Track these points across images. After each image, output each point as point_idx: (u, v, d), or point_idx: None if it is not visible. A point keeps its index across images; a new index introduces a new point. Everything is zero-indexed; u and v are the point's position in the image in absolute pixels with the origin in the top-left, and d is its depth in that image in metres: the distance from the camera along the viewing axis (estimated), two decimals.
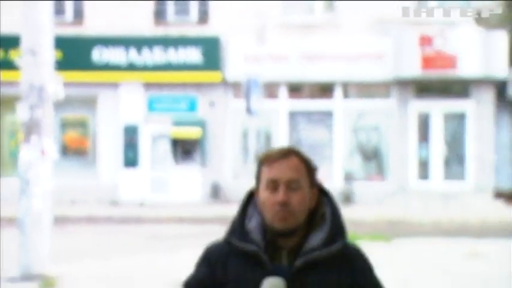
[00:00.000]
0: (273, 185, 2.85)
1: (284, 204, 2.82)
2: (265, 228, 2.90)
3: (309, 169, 2.95)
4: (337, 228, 2.92)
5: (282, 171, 2.86)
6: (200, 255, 3.02)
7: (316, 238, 2.88)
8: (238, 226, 2.94)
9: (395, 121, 23.85)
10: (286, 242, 2.88)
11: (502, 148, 23.88)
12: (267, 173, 2.89)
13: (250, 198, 3.00)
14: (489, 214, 21.31)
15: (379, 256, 13.62)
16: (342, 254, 2.88)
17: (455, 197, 22.86)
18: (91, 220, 21.57)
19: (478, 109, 23.50)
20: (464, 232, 17.98)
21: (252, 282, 2.81)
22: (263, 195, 2.88)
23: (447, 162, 23.90)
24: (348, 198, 23.14)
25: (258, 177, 2.94)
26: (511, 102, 23.69)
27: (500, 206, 22.63)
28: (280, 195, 2.83)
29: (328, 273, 2.85)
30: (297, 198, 2.85)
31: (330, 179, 22.69)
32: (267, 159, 2.93)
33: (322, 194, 3.00)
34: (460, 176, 23.77)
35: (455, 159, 23.95)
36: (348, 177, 23.84)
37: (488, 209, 21.98)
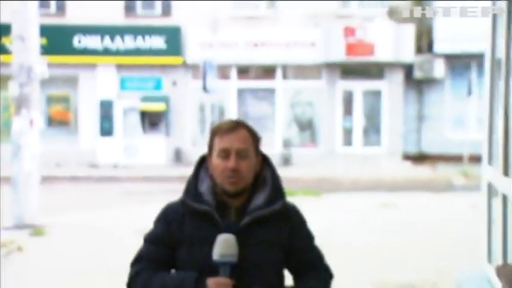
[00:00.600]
0: (225, 154, 2.73)
1: (234, 171, 2.71)
2: (215, 190, 2.79)
3: (255, 139, 2.84)
4: (277, 190, 2.84)
5: (233, 141, 2.74)
6: (158, 213, 2.88)
7: (260, 198, 2.79)
8: (192, 188, 2.81)
9: (325, 98, 23.99)
10: (234, 202, 2.78)
11: (409, 119, 24.18)
12: (219, 143, 2.76)
13: (202, 163, 2.88)
14: (398, 173, 21.68)
15: (311, 207, 13.78)
16: (282, 212, 2.80)
17: (372, 160, 23.17)
18: (73, 179, 21.46)
19: (390, 88, 23.76)
20: (378, 187, 18.28)
21: (206, 238, 2.69)
22: (215, 162, 2.76)
23: (366, 132, 24.17)
24: (286, 161, 23.31)
25: (211, 146, 2.81)
26: (417, 82, 23.96)
27: (407, 166, 23.00)
28: (231, 162, 2.71)
29: (271, 228, 2.77)
30: (245, 165, 2.74)
31: (272, 145, 22.88)
32: (218, 131, 2.80)
33: (264, 160, 2.89)
34: (376, 142, 24.06)
35: (372, 129, 24.22)
36: (287, 144, 23.98)
37: (397, 169, 22.34)
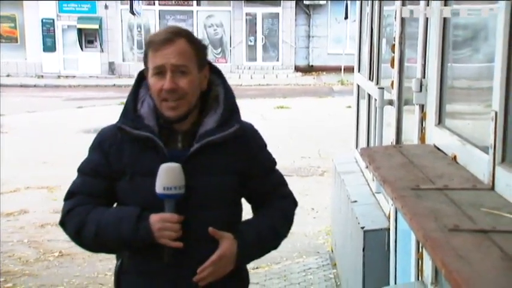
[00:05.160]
0: (160, 72, 1.85)
1: (171, 91, 1.84)
2: (157, 112, 1.93)
3: (199, 50, 1.94)
4: (232, 110, 1.98)
5: (168, 57, 1.85)
6: (93, 140, 2.00)
7: (211, 121, 1.93)
8: (131, 111, 1.94)
9: (233, 20, 23.66)
10: (180, 126, 1.92)
11: (300, 38, 24.26)
12: (153, 60, 1.87)
13: (141, 80, 1.99)
14: (291, 81, 21.95)
15: None
16: (237, 135, 1.95)
17: (271, 72, 23.29)
18: (23, 87, 20.80)
19: (285, 12, 23.65)
20: (275, 93, 18.50)
21: (149, 168, 1.86)
22: (151, 81, 1.89)
23: (266, 48, 24.11)
24: None
25: (146, 61, 1.92)
26: (306, 7, 23.92)
27: (298, 76, 23.26)
28: (166, 82, 1.84)
29: (224, 154, 1.93)
30: (185, 82, 1.86)
31: None
32: (152, 44, 1.89)
33: (215, 74, 2.02)
34: (274, 57, 24.10)
35: (271, 46, 24.17)
36: None
37: (290, 79, 22.59)
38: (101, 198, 1.94)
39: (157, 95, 1.87)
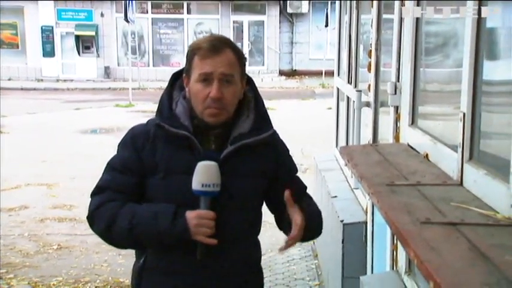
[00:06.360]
0: (206, 79, 1.79)
1: (217, 100, 1.78)
2: (192, 113, 1.85)
3: (242, 61, 1.86)
4: (263, 117, 1.93)
5: (217, 65, 1.78)
6: (124, 137, 1.90)
7: (244, 125, 1.87)
8: (167, 110, 1.86)
9: (221, 28, 23.62)
10: (214, 129, 1.86)
11: (284, 44, 24.27)
12: (200, 66, 1.79)
13: (175, 80, 1.93)
14: (276, 85, 21.96)
15: None
16: (268, 140, 1.90)
17: (257, 76, 23.21)
18: (24, 90, 20.60)
19: (269, 20, 23.66)
20: (264, 97, 18.48)
21: (184, 166, 1.78)
22: (195, 87, 1.81)
23: (252, 54, 24.09)
24: None
25: (189, 67, 1.83)
26: (290, 15, 23.95)
27: (282, 80, 23.26)
28: (213, 90, 1.77)
29: (256, 157, 1.87)
30: (229, 92, 1.80)
31: (181, 66, 22.48)
32: (199, 50, 1.80)
33: (247, 82, 1.95)
34: (260, 62, 24.10)
35: (256, 52, 24.17)
36: None
37: (275, 82, 22.60)
38: (130, 195, 1.83)
39: (201, 102, 1.80)
